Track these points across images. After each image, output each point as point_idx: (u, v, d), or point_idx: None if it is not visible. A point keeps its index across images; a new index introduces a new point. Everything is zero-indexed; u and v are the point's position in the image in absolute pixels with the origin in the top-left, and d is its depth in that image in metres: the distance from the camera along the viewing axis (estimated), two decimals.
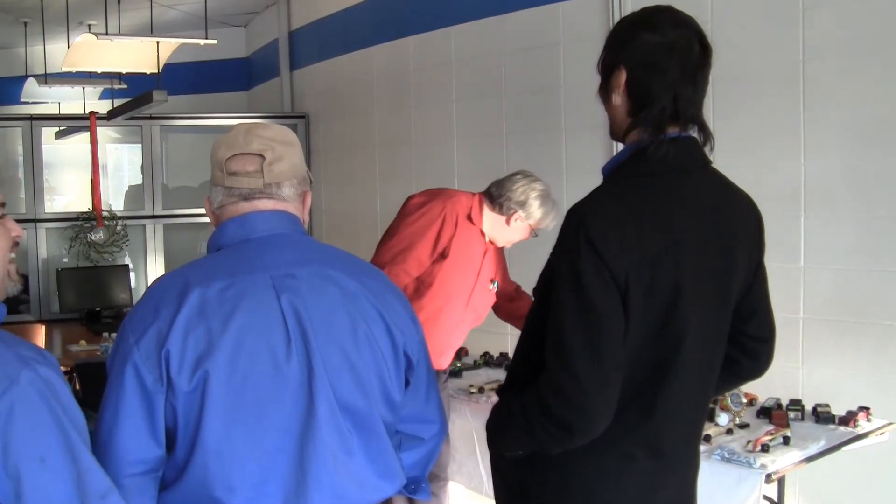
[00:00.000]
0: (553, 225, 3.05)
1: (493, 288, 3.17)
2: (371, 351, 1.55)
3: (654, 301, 1.50)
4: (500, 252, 3.25)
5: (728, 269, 1.61)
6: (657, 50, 1.52)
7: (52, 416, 1.27)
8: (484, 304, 3.21)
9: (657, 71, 1.52)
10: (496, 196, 3.05)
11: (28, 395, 1.24)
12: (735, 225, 1.63)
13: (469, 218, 3.05)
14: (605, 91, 1.61)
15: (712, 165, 1.63)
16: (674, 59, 1.51)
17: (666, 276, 1.51)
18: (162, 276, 1.59)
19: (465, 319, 3.17)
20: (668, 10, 1.57)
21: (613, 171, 1.60)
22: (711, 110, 3.43)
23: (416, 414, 1.72)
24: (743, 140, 3.37)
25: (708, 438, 2.58)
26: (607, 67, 1.59)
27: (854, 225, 3.10)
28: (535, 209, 3.02)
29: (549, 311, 1.53)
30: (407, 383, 1.66)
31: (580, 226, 1.49)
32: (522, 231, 3.09)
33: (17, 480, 1.23)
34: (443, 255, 3.00)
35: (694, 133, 1.58)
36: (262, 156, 1.56)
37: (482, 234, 3.10)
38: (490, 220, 3.08)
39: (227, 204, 1.58)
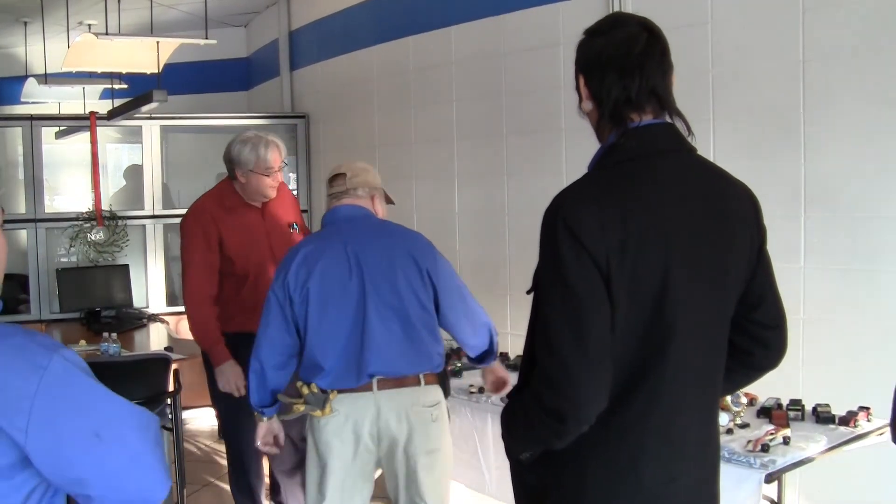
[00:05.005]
0: (272, 156, 3.35)
1: (296, 230, 3.55)
2: (404, 274, 2.62)
3: (644, 282, 1.50)
4: (287, 198, 3.62)
5: (724, 251, 1.60)
6: (602, 50, 1.60)
7: (91, 391, 1.28)
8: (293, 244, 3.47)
9: (603, 67, 1.59)
10: (228, 170, 3.42)
11: (62, 379, 1.25)
12: (728, 207, 1.63)
13: (224, 203, 3.42)
14: (580, 103, 1.68)
15: (697, 152, 1.65)
16: (618, 52, 1.58)
17: (655, 254, 1.51)
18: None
19: None
20: (613, 15, 1.70)
21: (593, 165, 1.65)
22: (711, 110, 3.44)
23: (463, 323, 2.71)
24: (743, 140, 3.37)
25: None
26: (575, 81, 1.67)
27: (854, 225, 3.10)
28: (244, 156, 3.34)
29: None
30: (438, 306, 2.66)
31: (558, 213, 1.51)
32: (257, 179, 3.37)
33: (80, 467, 1.24)
34: (221, 246, 3.36)
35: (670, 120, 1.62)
36: (346, 174, 2.78)
37: (246, 203, 3.45)
38: (240, 189, 3.43)
39: (328, 205, 2.80)
